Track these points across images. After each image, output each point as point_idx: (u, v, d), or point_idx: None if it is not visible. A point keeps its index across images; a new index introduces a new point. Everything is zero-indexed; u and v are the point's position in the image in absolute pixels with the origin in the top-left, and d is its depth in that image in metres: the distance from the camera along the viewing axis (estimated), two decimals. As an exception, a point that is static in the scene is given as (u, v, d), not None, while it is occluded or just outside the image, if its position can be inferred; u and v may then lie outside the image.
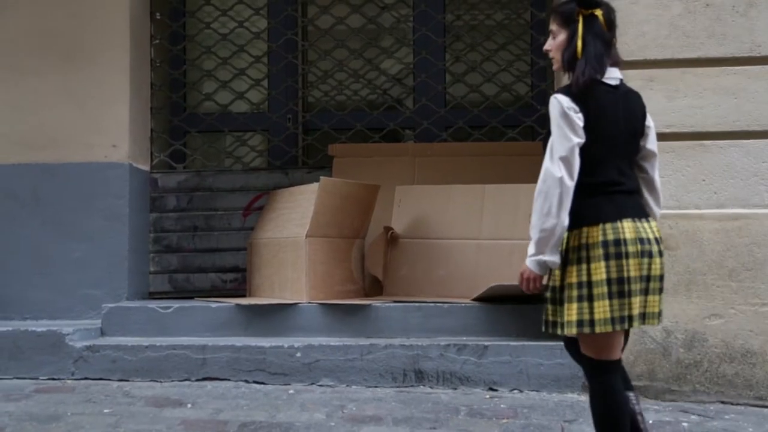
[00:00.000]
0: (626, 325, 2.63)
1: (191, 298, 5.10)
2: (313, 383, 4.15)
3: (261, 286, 4.89)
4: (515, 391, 4.00)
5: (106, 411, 3.69)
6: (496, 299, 4.35)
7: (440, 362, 4.09)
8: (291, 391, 4.00)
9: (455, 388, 4.05)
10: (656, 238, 2.69)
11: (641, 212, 2.74)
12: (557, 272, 2.72)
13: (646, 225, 2.69)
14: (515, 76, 5.77)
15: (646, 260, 2.64)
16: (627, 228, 2.64)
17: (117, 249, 5.00)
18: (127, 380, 4.25)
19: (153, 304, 4.67)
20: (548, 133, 2.74)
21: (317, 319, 4.44)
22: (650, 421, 3.47)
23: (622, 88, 2.78)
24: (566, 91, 2.69)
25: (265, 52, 5.89)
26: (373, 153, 5.44)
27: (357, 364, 4.14)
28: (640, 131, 2.83)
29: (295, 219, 4.71)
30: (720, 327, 3.88)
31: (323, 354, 4.18)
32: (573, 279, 2.66)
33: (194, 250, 5.43)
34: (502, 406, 3.75)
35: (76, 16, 5.07)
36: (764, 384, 3.84)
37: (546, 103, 5.37)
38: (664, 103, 3.99)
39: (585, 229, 2.65)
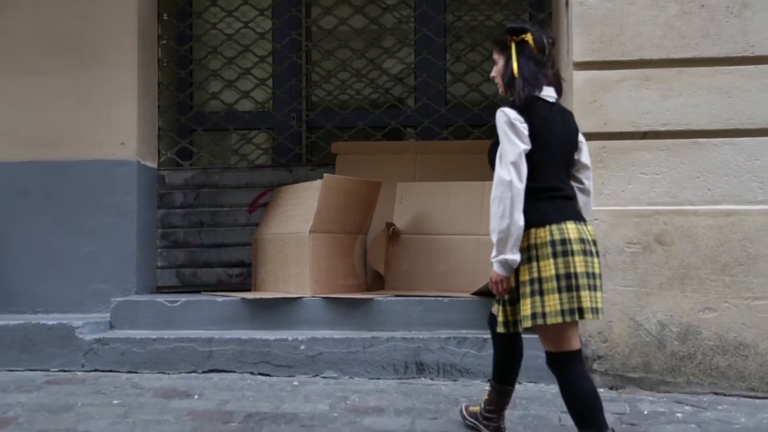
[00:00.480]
0: (576, 317, 2.84)
1: (198, 292, 5.17)
2: (316, 375, 4.19)
3: (266, 281, 4.94)
4: None
5: (115, 402, 3.74)
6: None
7: (441, 355, 4.13)
8: (295, 383, 4.04)
9: (455, 380, 4.09)
10: (593, 240, 2.95)
11: (579, 216, 3.00)
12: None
13: (584, 227, 2.94)
14: (515, 76, 5.83)
15: (589, 258, 2.88)
16: (571, 229, 2.88)
17: (125, 244, 5.06)
18: (136, 372, 4.30)
19: (161, 298, 4.71)
20: (494, 144, 2.93)
21: (321, 313, 4.49)
22: (645, 412, 3.54)
23: (557, 106, 3.06)
24: (512, 105, 2.96)
25: (269, 52, 5.95)
26: (376, 151, 5.49)
27: (359, 356, 4.18)
28: (575, 145, 3.09)
29: (299, 215, 4.75)
30: (713, 320, 3.91)
31: (326, 347, 4.22)
32: (525, 277, 2.88)
33: (201, 245, 5.48)
34: None
35: (86, 17, 5.14)
36: (756, 375, 3.87)
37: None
38: (659, 102, 4.03)
39: (533, 231, 2.88)
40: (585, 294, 2.83)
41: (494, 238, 2.86)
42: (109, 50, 5.12)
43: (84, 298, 5.03)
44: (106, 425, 3.39)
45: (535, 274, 2.86)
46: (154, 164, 5.45)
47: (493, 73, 3.16)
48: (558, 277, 2.83)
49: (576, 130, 3.11)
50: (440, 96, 5.84)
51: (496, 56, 3.12)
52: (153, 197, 5.42)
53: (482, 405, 3.34)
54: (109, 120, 5.11)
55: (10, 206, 5.11)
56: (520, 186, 2.84)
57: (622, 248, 3.97)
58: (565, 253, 2.84)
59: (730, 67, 4.02)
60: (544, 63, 3.03)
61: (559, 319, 2.82)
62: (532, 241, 2.87)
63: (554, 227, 2.87)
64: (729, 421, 3.42)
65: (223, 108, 5.86)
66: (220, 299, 4.66)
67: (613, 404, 3.65)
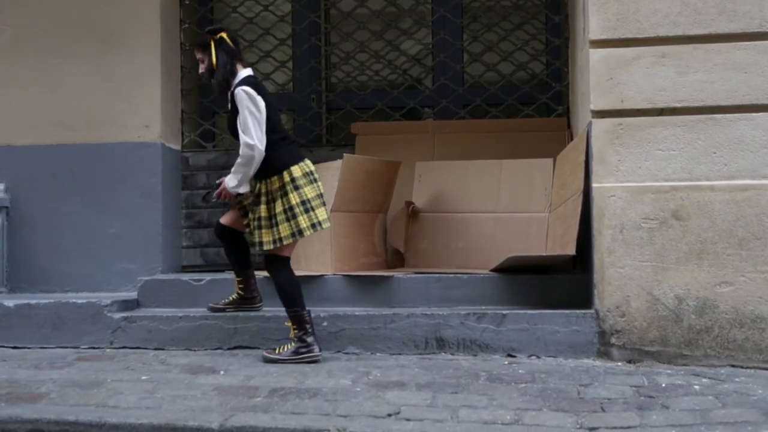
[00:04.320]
0: (318, 229, 4.01)
1: (222, 271, 5.17)
2: (339, 351, 4.23)
3: None
4: (533, 357, 4.06)
5: (143, 378, 3.79)
6: (513, 270, 4.41)
7: (460, 330, 4.14)
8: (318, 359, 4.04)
9: (475, 355, 4.11)
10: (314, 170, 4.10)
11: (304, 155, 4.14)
12: (263, 207, 4.00)
13: (311, 163, 4.10)
14: (530, 55, 5.84)
15: (320, 183, 4.06)
16: (310, 163, 4.07)
17: (151, 225, 5.16)
18: (163, 349, 4.37)
19: (186, 277, 4.79)
20: (233, 114, 3.98)
21: (342, 290, 4.54)
22: (663, 384, 3.54)
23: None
24: (247, 83, 3.94)
25: (289, 34, 6.01)
26: (394, 131, 5.54)
27: (381, 332, 4.21)
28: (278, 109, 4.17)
29: (320, 195, 4.82)
30: (730, 294, 3.90)
31: (348, 323, 4.25)
32: (280, 208, 3.95)
33: (224, 225, 5.55)
34: (520, 371, 3.79)
35: (110, 3, 5.22)
36: (773, 348, 3.86)
37: (560, 81, 5.50)
38: (675, 79, 4.01)
39: (292, 168, 3.98)
40: (321, 211, 4.03)
41: (237, 178, 3.99)
42: (132, 35, 5.21)
43: (111, 277, 5.14)
44: (135, 400, 3.44)
45: (295, 199, 3.94)
46: (177, 146, 5.53)
47: (202, 71, 4.08)
48: (303, 203, 3.96)
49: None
50: (458, 76, 5.87)
51: (200, 56, 4.08)
52: (177, 178, 5.50)
53: (239, 294, 4.39)
54: (134, 103, 5.20)
55: (39, 188, 5.23)
56: (262, 148, 3.91)
57: (639, 224, 3.99)
58: (314, 180, 4.03)
59: (746, 43, 3.99)
60: (239, 53, 4.07)
61: (311, 231, 4.00)
62: (292, 176, 3.97)
63: (302, 164, 4.02)
64: (746, 393, 3.41)
65: (244, 90, 5.92)
66: (243, 278, 4.71)
67: (631, 377, 3.67)
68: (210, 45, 4.03)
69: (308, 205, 3.97)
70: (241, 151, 3.94)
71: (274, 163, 3.97)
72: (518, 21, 5.88)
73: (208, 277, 4.73)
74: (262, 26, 5.92)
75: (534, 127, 5.42)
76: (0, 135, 5.28)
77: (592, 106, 4.09)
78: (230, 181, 4.03)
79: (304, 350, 3.98)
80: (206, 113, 5.90)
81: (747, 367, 3.88)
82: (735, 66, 3.99)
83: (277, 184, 3.98)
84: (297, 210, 3.95)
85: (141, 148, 5.18)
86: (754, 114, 3.98)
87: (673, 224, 3.97)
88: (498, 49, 5.80)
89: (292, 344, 4.01)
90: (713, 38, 4.02)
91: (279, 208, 3.96)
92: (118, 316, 4.49)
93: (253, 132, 3.89)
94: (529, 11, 5.94)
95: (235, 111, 3.98)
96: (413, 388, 3.55)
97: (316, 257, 4.77)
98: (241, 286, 4.44)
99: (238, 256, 4.34)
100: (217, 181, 4.17)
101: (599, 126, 4.07)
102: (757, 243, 3.92)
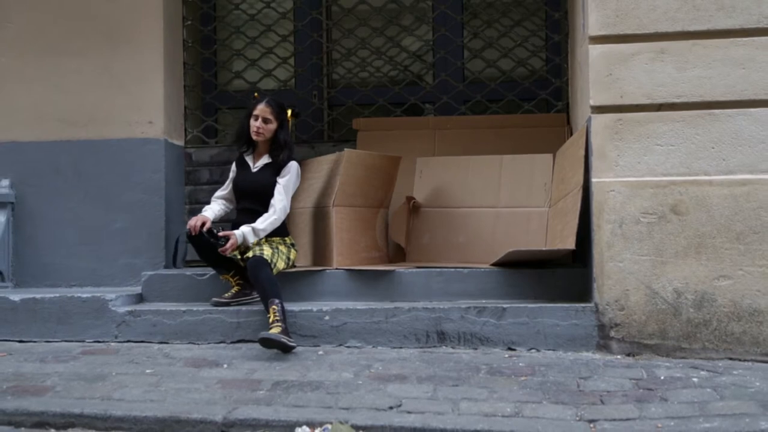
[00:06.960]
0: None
1: (224, 266, 5.27)
2: (341, 344, 4.24)
3: (298, 254, 5.01)
4: (533, 351, 4.07)
5: (148, 371, 3.81)
6: (513, 264, 4.43)
7: (461, 324, 4.15)
8: (320, 352, 4.08)
9: (476, 348, 4.11)
10: None
11: None
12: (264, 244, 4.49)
13: None
14: (530, 51, 5.85)
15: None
16: None
17: (155, 220, 5.17)
18: (167, 343, 4.39)
19: (189, 272, 4.80)
20: (273, 176, 4.58)
21: (344, 284, 4.55)
22: (662, 377, 3.56)
23: None
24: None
25: (291, 31, 6.02)
26: (395, 126, 5.55)
27: (382, 326, 4.22)
28: None
29: (322, 189, 4.82)
30: (728, 287, 3.92)
31: (350, 317, 4.25)
32: (284, 253, 4.49)
33: (228, 220, 5.54)
34: (520, 364, 3.81)
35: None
36: (770, 341, 3.87)
37: (560, 76, 5.51)
38: (674, 74, 4.02)
39: (287, 238, 4.61)
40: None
41: (264, 233, 4.41)
42: (136, 31, 5.21)
43: (116, 272, 5.15)
44: (140, 393, 3.47)
45: (292, 256, 4.55)
46: (180, 142, 5.54)
47: (261, 127, 4.50)
48: (288, 259, 4.53)
49: None
50: (458, 72, 5.88)
51: (271, 117, 4.51)
52: (180, 174, 5.52)
53: (239, 286, 4.56)
54: (137, 99, 5.20)
55: (43, 184, 5.25)
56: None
57: (638, 218, 4.00)
58: (295, 248, 4.66)
59: (745, 39, 3.99)
60: None
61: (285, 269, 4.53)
62: (292, 242, 4.62)
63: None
64: (744, 386, 3.43)
65: (246, 87, 5.94)
66: (246, 272, 4.73)
67: (630, 370, 3.69)
68: (288, 120, 4.59)
69: (291, 261, 4.59)
70: (281, 213, 4.47)
71: (283, 229, 4.57)
72: (518, 17, 5.89)
73: (211, 271, 4.73)
74: (263, 23, 5.93)
75: (534, 123, 5.44)
76: (4, 131, 5.30)
77: (592, 102, 4.11)
78: (251, 237, 4.38)
79: (290, 337, 4.05)
80: (209, 109, 5.93)
81: (745, 360, 3.89)
82: (733, 62, 4.00)
83: (278, 241, 4.54)
84: (284, 257, 4.46)
85: (144, 144, 5.20)
86: (752, 109, 3.99)
87: (672, 219, 3.99)
88: (498, 46, 5.81)
89: (279, 328, 4.03)
90: (712, 34, 4.03)
91: (282, 248, 4.51)
92: (122, 310, 4.52)
93: (290, 201, 4.54)
94: (528, 8, 5.95)
95: (271, 174, 4.54)
96: (414, 381, 3.57)
97: (319, 252, 4.79)
98: (236, 278, 4.56)
99: (219, 260, 4.52)
100: (222, 233, 4.38)
101: (599, 121, 4.09)
102: (755, 237, 3.93)
